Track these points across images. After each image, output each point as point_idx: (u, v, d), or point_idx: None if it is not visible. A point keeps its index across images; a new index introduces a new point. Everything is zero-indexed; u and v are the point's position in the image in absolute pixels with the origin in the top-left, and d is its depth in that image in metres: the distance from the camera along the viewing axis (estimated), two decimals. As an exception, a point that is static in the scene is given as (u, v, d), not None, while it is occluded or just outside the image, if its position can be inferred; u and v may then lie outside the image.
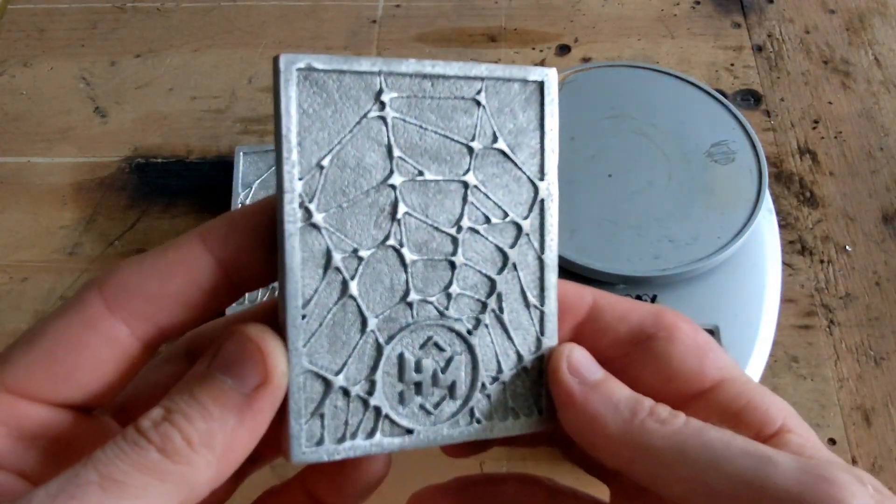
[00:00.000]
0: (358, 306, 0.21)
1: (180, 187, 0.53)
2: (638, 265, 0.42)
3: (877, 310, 0.46)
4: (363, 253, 0.21)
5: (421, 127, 0.21)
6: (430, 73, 0.21)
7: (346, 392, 0.21)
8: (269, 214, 0.20)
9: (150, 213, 0.52)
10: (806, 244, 0.49)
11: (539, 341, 0.23)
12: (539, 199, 0.23)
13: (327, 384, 0.20)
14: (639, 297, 0.43)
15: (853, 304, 0.46)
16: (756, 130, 0.47)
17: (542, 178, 0.23)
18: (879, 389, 0.43)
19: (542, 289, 0.23)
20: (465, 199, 0.21)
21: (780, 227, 0.48)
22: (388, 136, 0.21)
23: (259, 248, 0.20)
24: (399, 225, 0.21)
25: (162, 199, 0.52)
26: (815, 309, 0.46)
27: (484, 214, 0.22)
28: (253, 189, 0.49)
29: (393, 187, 0.21)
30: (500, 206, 0.22)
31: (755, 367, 0.42)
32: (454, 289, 0.22)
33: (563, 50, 0.59)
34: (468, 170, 0.21)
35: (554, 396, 0.22)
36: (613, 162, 0.46)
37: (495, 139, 0.22)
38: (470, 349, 0.22)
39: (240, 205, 0.48)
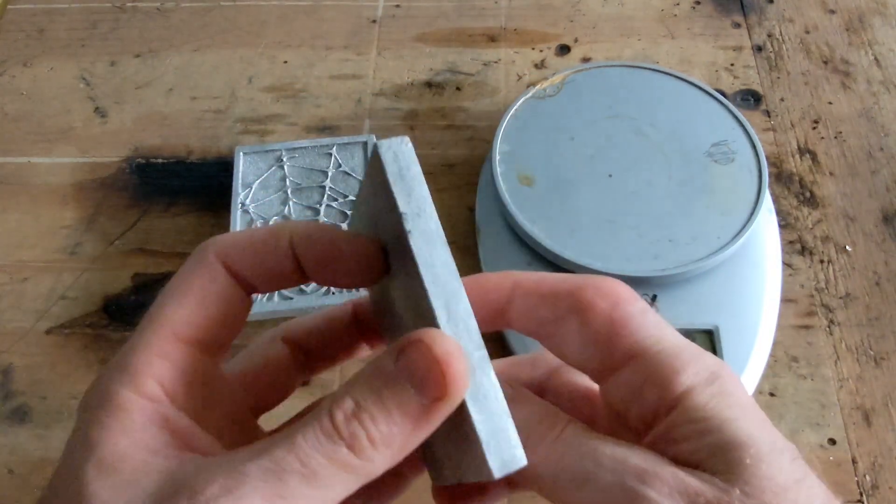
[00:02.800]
0: None
1: (181, 187, 0.53)
2: (638, 265, 0.42)
3: (877, 310, 0.46)
4: None
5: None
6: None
7: None
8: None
9: (151, 212, 0.52)
10: (806, 244, 0.49)
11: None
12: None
13: None
14: (639, 297, 0.43)
15: (853, 304, 0.46)
16: (756, 130, 0.47)
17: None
18: (879, 389, 0.43)
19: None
20: None
21: (780, 227, 0.48)
22: None
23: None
24: None
25: (162, 199, 0.52)
26: (815, 309, 0.46)
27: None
28: (253, 189, 0.49)
29: None
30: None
31: (755, 367, 0.42)
32: None
33: (563, 50, 0.59)
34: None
35: None
36: (613, 162, 0.46)
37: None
38: None
39: (240, 205, 0.48)
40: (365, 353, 0.29)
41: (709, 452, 0.21)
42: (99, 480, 0.20)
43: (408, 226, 0.21)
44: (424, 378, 0.20)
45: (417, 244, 0.21)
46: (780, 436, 0.22)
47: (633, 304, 0.23)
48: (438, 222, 0.22)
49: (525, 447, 0.20)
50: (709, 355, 0.23)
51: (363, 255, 0.24)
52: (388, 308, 0.25)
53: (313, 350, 0.28)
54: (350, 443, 0.19)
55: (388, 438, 0.20)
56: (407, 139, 0.22)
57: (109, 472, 0.20)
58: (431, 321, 0.21)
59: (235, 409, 0.25)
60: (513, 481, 0.24)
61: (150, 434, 0.21)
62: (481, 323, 0.22)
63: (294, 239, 0.24)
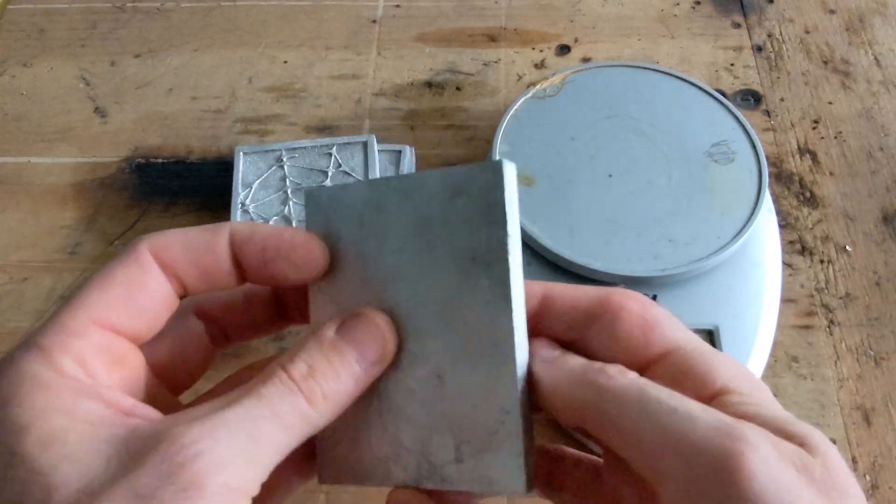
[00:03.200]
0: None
1: (181, 187, 0.53)
2: (638, 265, 0.42)
3: (877, 310, 0.46)
4: None
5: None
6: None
7: None
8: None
9: (151, 213, 0.52)
10: (806, 244, 0.49)
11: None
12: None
13: None
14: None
15: (853, 304, 0.46)
16: (756, 130, 0.47)
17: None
18: (879, 389, 0.43)
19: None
20: None
21: (780, 227, 0.48)
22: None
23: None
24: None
25: (162, 199, 0.52)
26: (815, 309, 0.46)
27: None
28: (253, 189, 0.49)
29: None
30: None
31: (755, 367, 0.42)
32: None
33: (563, 50, 0.59)
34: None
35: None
36: (613, 162, 0.46)
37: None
38: None
39: (240, 205, 0.48)
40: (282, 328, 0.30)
41: (782, 428, 0.21)
42: (47, 454, 0.19)
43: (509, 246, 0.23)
44: (365, 346, 0.24)
45: (514, 264, 0.23)
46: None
47: (661, 309, 0.25)
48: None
49: (595, 379, 0.22)
50: (739, 363, 0.24)
51: (309, 249, 0.25)
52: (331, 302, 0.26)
53: (230, 324, 0.28)
54: (308, 396, 0.22)
55: (335, 395, 0.23)
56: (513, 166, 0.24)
57: (56, 446, 0.20)
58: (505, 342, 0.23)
59: (157, 391, 0.25)
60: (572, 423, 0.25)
61: (85, 408, 0.21)
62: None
63: (235, 236, 0.25)
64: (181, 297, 0.25)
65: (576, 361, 0.24)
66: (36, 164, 0.54)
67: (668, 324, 0.24)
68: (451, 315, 0.24)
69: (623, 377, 0.22)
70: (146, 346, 0.25)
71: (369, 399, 0.25)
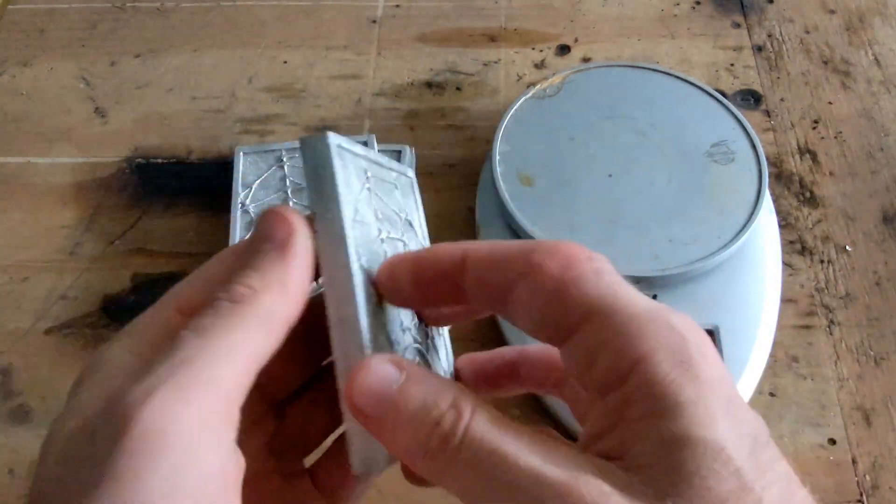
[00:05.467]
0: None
1: (180, 187, 0.53)
2: (638, 265, 0.42)
3: (877, 310, 0.46)
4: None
5: (381, 199, 0.26)
6: (377, 161, 0.27)
7: None
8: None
9: (151, 213, 0.52)
10: (806, 244, 0.49)
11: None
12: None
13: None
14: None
15: (853, 304, 0.46)
16: (756, 130, 0.47)
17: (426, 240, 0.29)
18: (879, 389, 0.43)
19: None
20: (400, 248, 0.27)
21: (780, 227, 0.48)
22: (373, 203, 0.25)
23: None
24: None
25: (162, 199, 0.52)
26: (815, 309, 0.46)
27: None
28: (253, 189, 0.49)
29: (383, 241, 0.25)
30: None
31: (755, 367, 0.42)
32: None
33: (563, 50, 0.59)
34: (402, 234, 0.27)
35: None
36: (613, 162, 0.46)
37: (407, 213, 0.28)
38: None
39: (240, 205, 0.48)
40: None
41: (653, 444, 0.19)
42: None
43: (315, 225, 0.23)
44: (271, 230, 0.23)
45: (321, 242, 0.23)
46: (746, 419, 0.19)
47: (587, 264, 0.21)
48: (342, 224, 0.23)
49: (426, 449, 0.20)
50: (677, 315, 0.21)
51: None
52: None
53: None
54: (230, 298, 0.21)
55: (263, 283, 0.22)
56: (330, 135, 0.24)
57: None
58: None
59: None
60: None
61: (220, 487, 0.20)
62: (439, 295, 0.24)
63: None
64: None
65: (413, 404, 0.21)
66: (36, 164, 0.54)
67: (589, 284, 0.21)
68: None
69: (455, 436, 0.20)
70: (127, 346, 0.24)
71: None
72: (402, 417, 0.20)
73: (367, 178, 0.25)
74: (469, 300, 0.23)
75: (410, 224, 0.28)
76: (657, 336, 0.20)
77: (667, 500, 0.18)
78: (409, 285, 0.23)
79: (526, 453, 0.19)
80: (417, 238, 0.29)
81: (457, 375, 0.28)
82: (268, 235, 0.23)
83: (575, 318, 0.21)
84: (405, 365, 0.21)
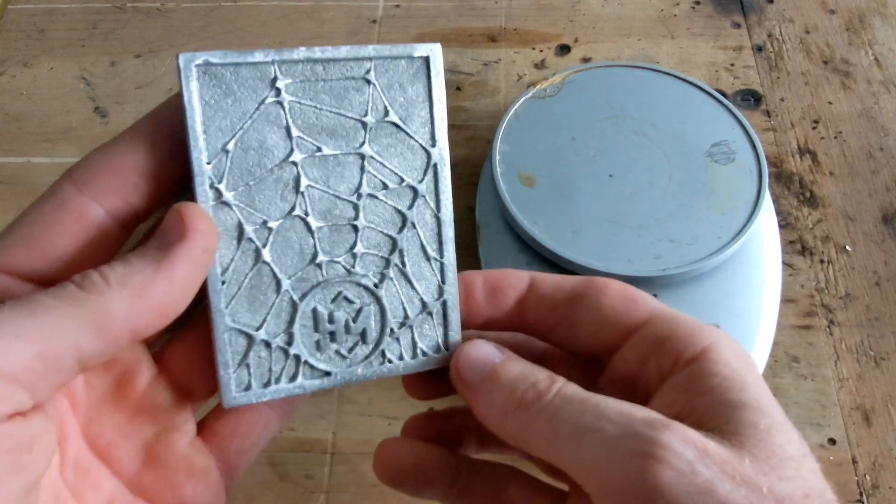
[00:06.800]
0: (272, 270, 0.23)
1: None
2: (638, 265, 0.42)
3: (877, 310, 0.46)
4: (272, 224, 0.23)
5: (316, 108, 0.23)
6: (321, 57, 0.23)
7: (267, 344, 0.24)
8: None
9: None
10: (806, 244, 0.49)
11: (441, 289, 0.25)
12: (432, 163, 0.25)
13: (250, 338, 0.24)
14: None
15: (853, 304, 0.46)
16: (756, 130, 0.47)
17: (433, 145, 0.25)
18: (879, 389, 0.43)
19: (440, 243, 0.25)
20: (362, 169, 0.24)
21: (780, 227, 0.48)
22: (286, 119, 0.23)
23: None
24: (303, 196, 0.23)
25: (162, 199, 0.52)
26: (815, 309, 0.46)
27: (381, 181, 0.24)
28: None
29: (294, 164, 0.23)
30: (396, 173, 0.24)
31: (755, 367, 0.42)
32: (359, 248, 0.24)
33: (563, 50, 0.59)
34: (363, 142, 0.24)
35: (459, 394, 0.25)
36: (614, 162, 0.46)
37: (387, 113, 0.24)
38: (377, 300, 0.25)
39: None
40: None
41: (727, 408, 0.21)
42: None
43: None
44: (164, 231, 0.21)
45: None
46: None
47: (639, 290, 0.26)
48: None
49: (520, 402, 0.23)
50: (725, 332, 0.24)
51: None
52: None
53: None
54: (80, 283, 0.20)
55: (123, 277, 0.20)
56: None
57: None
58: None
59: None
60: (502, 443, 0.25)
61: None
62: (501, 314, 0.26)
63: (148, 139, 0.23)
64: (132, 216, 0.23)
65: (512, 373, 0.24)
66: (36, 164, 0.54)
67: (648, 297, 0.26)
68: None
69: (549, 392, 0.23)
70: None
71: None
72: (501, 382, 0.23)
73: (279, 89, 0.22)
74: (527, 318, 0.26)
75: (396, 126, 0.24)
76: (720, 335, 0.23)
77: (743, 451, 0.20)
78: (482, 297, 0.26)
79: (614, 402, 0.21)
80: (409, 139, 0.25)
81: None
82: (159, 235, 0.21)
83: (642, 317, 0.24)
84: (505, 349, 0.25)
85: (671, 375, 0.23)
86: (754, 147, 0.46)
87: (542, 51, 0.59)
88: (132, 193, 0.22)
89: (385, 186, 0.24)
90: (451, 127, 0.55)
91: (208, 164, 0.22)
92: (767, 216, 0.47)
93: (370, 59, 0.23)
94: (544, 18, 0.61)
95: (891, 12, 0.60)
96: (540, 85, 0.50)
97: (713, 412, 0.21)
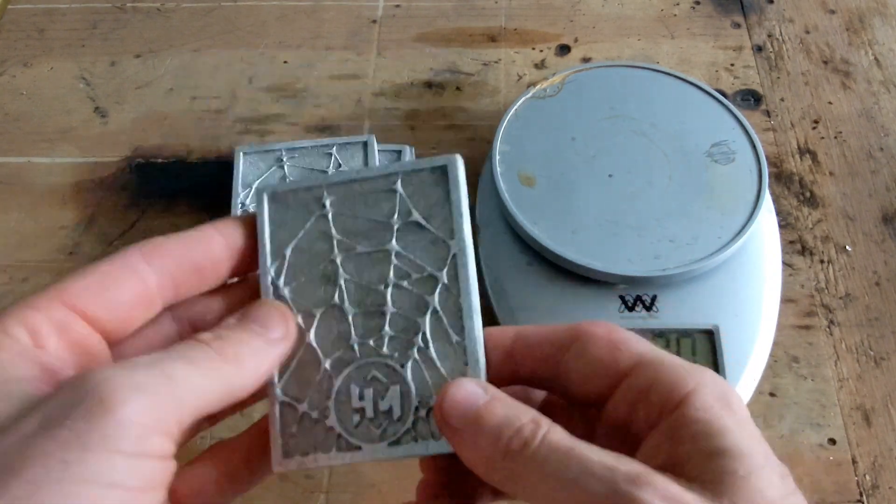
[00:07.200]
0: (315, 351, 0.27)
1: (180, 187, 0.53)
2: (638, 265, 0.42)
3: (877, 310, 0.46)
4: (316, 311, 0.27)
5: (354, 216, 0.28)
6: (357, 177, 0.28)
7: (309, 416, 0.27)
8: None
9: (150, 213, 0.52)
10: (806, 244, 0.49)
11: (465, 369, 0.26)
12: (451, 253, 0.27)
13: (296, 410, 0.27)
14: (639, 297, 0.43)
15: (853, 304, 0.46)
16: (756, 130, 0.47)
17: (451, 238, 0.27)
18: (879, 389, 0.43)
19: (462, 327, 0.27)
20: (390, 263, 0.27)
21: (780, 227, 0.48)
22: (331, 227, 0.28)
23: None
24: (341, 289, 0.27)
25: (162, 200, 0.52)
26: (815, 309, 0.46)
27: (407, 272, 0.27)
28: (253, 189, 0.49)
29: (334, 261, 0.27)
30: (419, 264, 0.27)
31: (755, 367, 0.42)
32: (387, 331, 0.27)
33: (563, 50, 0.59)
34: (390, 240, 0.27)
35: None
36: (614, 162, 0.46)
37: (410, 214, 0.28)
38: (403, 380, 0.27)
39: (240, 205, 0.48)
40: None
41: (705, 456, 0.21)
42: None
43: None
44: (268, 321, 0.25)
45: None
46: (772, 454, 0.22)
47: (625, 331, 0.25)
48: None
49: (505, 450, 0.23)
50: (710, 370, 0.24)
51: None
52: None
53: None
54: (218, 350, 0.24)
55: (244, 356, 0.24)
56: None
57: None
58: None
59: None
60: (495, 490, 0.25)
61: (9, 361, 0.22)
62: (492, 370, 0.26)
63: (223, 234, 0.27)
64: (173, 297, 0.26)
65: (497, 416, 0.24)
66: (36, 164, 0.54)
67: (633, 341, 0.25)
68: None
69: (534, 440, 0.22)
70: (122, 347, 0.26)
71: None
72: (486, 427, 0.23)
73: (325, 205, 0.28)
74: (519, 372, 0.26)
75: (419, 225, 0.28)
76: (702, 378, 0.23)
77: (724, 501, 0.20)
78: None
79: (599, 453, 0.22)
80: (432, 235, 0.28)
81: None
82: (263, 323, 0.26)
83: (627, 364, 0.24)
84: (490, 388, 0.25)
85: (658, 423, 0.23)
86: (754, 147, 0.46)
87: (542, 51, 0.59)
88: (184, 279, 0.26)
89: (409, 276, 0.27)
90: (451, 127, 0.55)
91: (271, 265, 0.27)
92: (767, 216, 0.47)
93: (397, 173, 0.28)
94: (544, 18, 0.61)
95: (891, 12, 0.60)
96: (540, 85, 0.50)
97: (694, 462, 0.21)
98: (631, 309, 0.42)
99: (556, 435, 0.22)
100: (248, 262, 0.28)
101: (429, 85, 0.57)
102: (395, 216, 0.27)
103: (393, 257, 0.27)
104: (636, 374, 0.24)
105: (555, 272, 0.43)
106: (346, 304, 0.27)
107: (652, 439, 0.23)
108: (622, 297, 0.43)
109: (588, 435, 0.25)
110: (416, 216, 0.27)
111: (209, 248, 0.26)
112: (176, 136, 0.55)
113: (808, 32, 0.59)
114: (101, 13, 0.62)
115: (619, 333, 0.25)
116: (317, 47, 0.60)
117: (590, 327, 0.25)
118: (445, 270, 0.27)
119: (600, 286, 0.43)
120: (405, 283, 0.27)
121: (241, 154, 0.50)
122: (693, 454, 0.21)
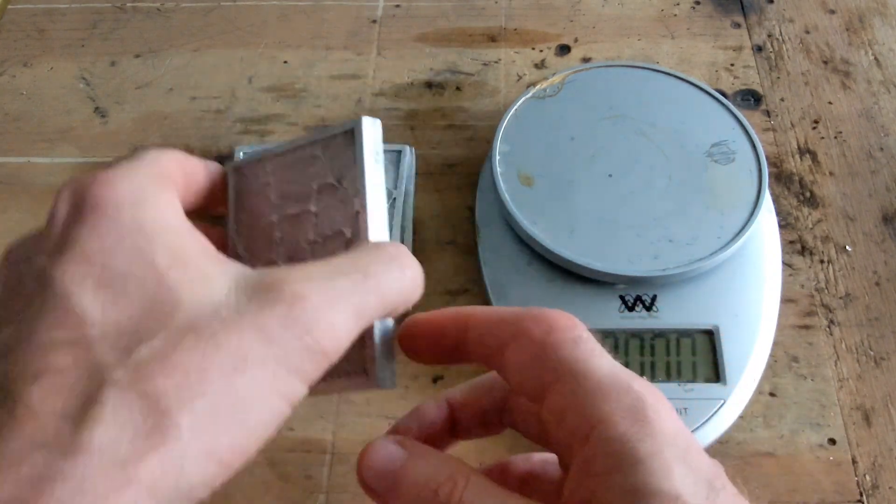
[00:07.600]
0: None
1: (180, 187, 0.53)
2: (638, 265, 0.42)
3: (877, 310, 0.46)
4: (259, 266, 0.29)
5: (288, 181, 0.30)
6: (290, 147, 0.30)
7: None
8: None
9: (151, 213, 0.52)
10: (806, 244, 0.49)
11: None
12: (355, 210, 0.28)
13: None
14: (639, 297, 0.43)
15: (853, 304, 0.46)
16: (756, 130, 0.47)
17: (356, 196, 0.29)
18: (879, 389, 0.43)
19: None
20: (312, 222, 0.29)
21: (780, 227, 0.48)
22: (271, 192, 0.30)
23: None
24: (277, 246, 0.29)
25: (162, 199, 0.52)
26: (815, 309, 0.46)
27: (322, 230, 0.29)
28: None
29: (272, 223, 0.30)
30: (331, 223, 0.29)
31: (755, 367, 0.42)
32: None
33: (563, 50, 0.59)
34: (311, 201, 0.29)
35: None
36: (613, 162, 0.46)
37: (326, 177, 0.30)
38: None
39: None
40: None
41: (618, 494, 0.20)
42: (174, 271, 0.21)
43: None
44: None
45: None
46: (701, 466, 0.21)
47: (568, 332, 0.23)
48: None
49: None
50: (639, 381, 0.22)
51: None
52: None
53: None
54: (403, 273, 0.24)
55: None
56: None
57: (181, 265, 0.22)
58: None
59: None
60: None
61: (198, 238, 0.23)
62: (443, 354, 0.26)
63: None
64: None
65: (415, 479, 0.23)
66: (36, 164, 0.54)
67: (564, 350, 0.23)
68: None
69: (451, 499, 0.22)
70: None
71: None
72: (403, 490, 0.23)
73: (267, 172, 0.30)
74: (470, 358, 0.26)
75: (333, 186, 0.30)
76: (617, 398, 0.22)
77: None
78: (425, 344, 0.26)
79: (515, 502, 0.21)
80: (342, 193, 0.29)
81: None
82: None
83: (549, 379, 0.23)
84: (408, 444, 0.24)
85: (577, 450, 0.22)
86: (754, 147, 0.46)
87: (542, 51, 0.59)
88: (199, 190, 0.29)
89: (324, 234, 0.29)
90: (451, 127, 0.55)
91: (233, 225, 0.30)
92: (767, 216, 0.47)
93: (319, 140, 0.30)
94: (544, 18, 0.61)
95: (891, 12, 0.60)
96: (540, 85, 0.50)
97: (608, 500, 0.21)
98: (631, 309, 0.42)
99: (472, 491, 0.22)
100: (218, 200, 0.30)
101: (429, 85, 0.57)
102: (315, 180, 0.30)
103: (313, 217, 0.29)
104: (555, 393, 0.23)
105: (554, 272, 0.43)
106: (280, 259, 0.29)
107: (573, 471, 0.22)
108: (622, 297, 0.43)
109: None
110: (331, 178, 0.29)
111: (198, 170, 0.29)
112: (176, 136, 0.55)
113: (808, 32, 0.59)
114: (101, 13, 0.63)
115: (554, 336, 0.23)
116: (317, 47, 0.60)
117: (529, 324, 0.24)
118: (351, 227, 0.28)
119: (600, 286, 0.43)
120: (320, 240, 0.29)
121: (241, 154, 0.50)
122: (605, 491, 0.21)
